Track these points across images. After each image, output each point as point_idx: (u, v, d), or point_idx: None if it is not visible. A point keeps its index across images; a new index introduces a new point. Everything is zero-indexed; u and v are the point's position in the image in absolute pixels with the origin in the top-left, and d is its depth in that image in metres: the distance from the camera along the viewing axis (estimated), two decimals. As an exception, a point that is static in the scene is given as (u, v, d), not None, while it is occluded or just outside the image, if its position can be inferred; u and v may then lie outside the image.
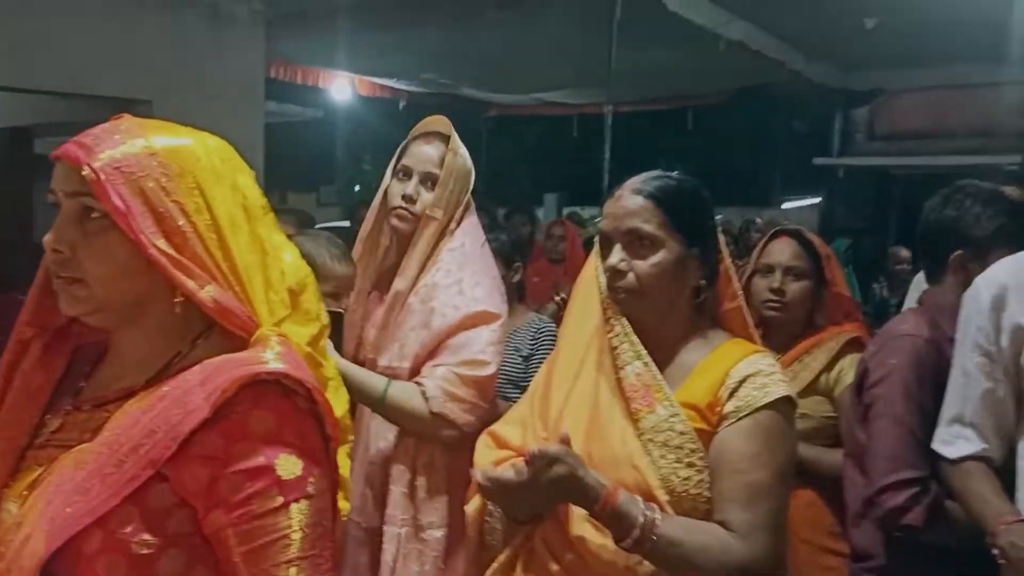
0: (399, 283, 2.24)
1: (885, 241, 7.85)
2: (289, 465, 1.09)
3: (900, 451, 1.93)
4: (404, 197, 2.24)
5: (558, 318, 3.32)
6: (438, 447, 2.20)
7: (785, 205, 8.26)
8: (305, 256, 2.38)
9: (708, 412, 1.61)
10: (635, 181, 1.69)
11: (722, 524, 1.55)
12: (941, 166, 7.61)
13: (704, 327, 1.71)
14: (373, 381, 2.15)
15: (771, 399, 1.58)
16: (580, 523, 1.62)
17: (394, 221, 2.27)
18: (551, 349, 2.90)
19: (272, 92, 6.43)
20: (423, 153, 2.27)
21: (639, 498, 1.53)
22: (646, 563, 1.56)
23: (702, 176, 1.85)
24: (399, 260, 2.30)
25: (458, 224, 2.26)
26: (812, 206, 8.30)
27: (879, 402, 2.01)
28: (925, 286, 2.34)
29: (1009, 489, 1.76)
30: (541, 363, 2.91)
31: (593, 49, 5.93)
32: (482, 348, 2.16)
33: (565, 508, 1.64)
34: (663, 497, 1.57)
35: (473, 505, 1.77)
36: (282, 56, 6.65)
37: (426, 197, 2.25)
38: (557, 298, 3.62)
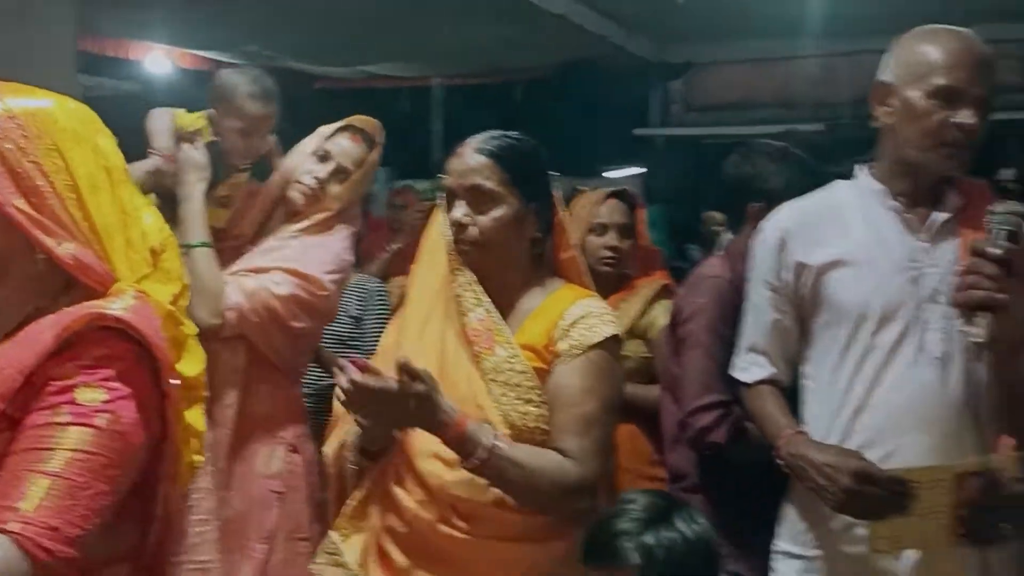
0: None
1: (701, 206, 8.29)
2: (90, 394, 1.15)
3: (707, 379, 2.14)
4: (316, 179, 2.37)
5: (385, 273, 3.41)
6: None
7: (608, 174, 8.55)
8: (221, 87, 2.45)
9: (544, 352, 1.78)
10: (476, 139, 1.83)
11: (559, 452, 1.71)
12: (750, 135, 8.07)
13: (542, 275, 1.88)
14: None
15: (600, 338, 1.76)
16: (427, 459, 1.75)
17: (294, 193, 2.41)
18: (381, 308, 3.00)
19: (87, 66, 6.16)
20: (348, 147, 2.43)
21: (488, 426, 1.67)
22: (490, 493, 1.69)
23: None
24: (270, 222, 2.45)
25: (334, 225, 2.42)
26: (635, 175, 8.63)
27: (690, 337, 2.22)
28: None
29: (796, 407, 1.98)
30: (373, 323, 3.02)
31: (418, 22, 5.97)
32: (283, 279, 2.30)
33: (412, 444, 1.75)
34: (504, 430, 1.73)
35: (331, 445, 1.86)
36: (96, 29, 6.37)
37: (333, 188, 2.39)
38: (387, 249, 3.72)
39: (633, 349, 2.60)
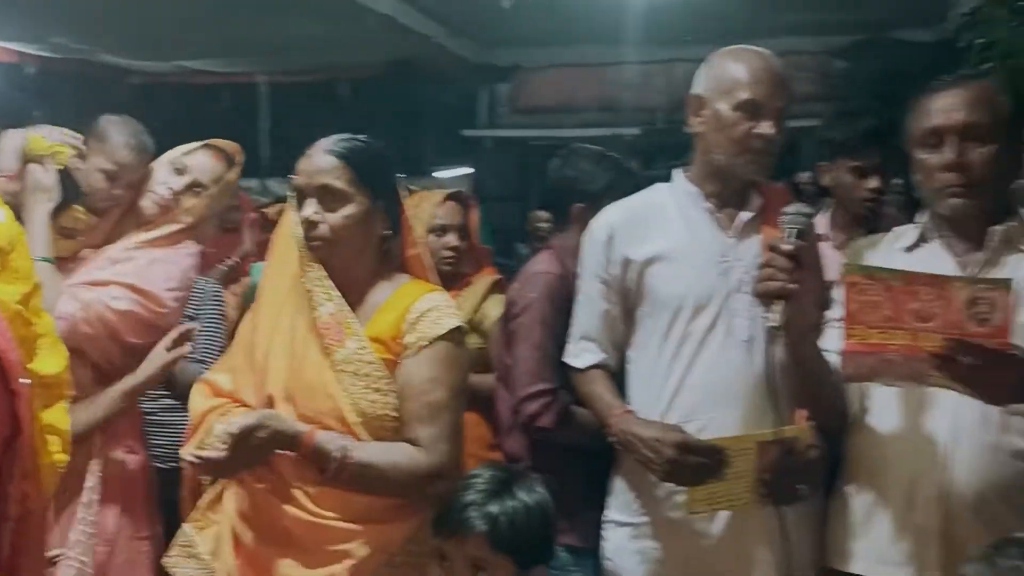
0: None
1: (527, 206, 8.53)
2: None
3: (536, 368, 2.30)
4: (170, 189, 2.40)
5: (227, 280, 3.41)
6: None
7: (437, 174, 8.67)
8: (100, 127, 2.39)
9: (392, 344, 1.89)
10: (326, 142, 1.94)
11: (411, 442, 1.82)
12: (573, 138, 8.37)
13: (390, 271, 1.98)
14: None
15: (445, 330, 1.88)
16: (280, 459, 1.84)
17: (146, 202, 2.41)
18: (215, 309, 3.01)
19: None
20: (206, 163, 2.45)
21: (335, 434, 1.76)
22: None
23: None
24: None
25: (183, 240, 2.43)
26: (463, 176, 8.78)
27: (521, 329, 2.37)
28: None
29: (623, 389, 2.16)
30: (207, 324, 3.02)
31: (239, 17, 5.88)
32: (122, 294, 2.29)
33: None
34: (355, 419, 1.83)
35: (189, 448, 1.89)
36: None
37: (187, 201, 2.41)
38: (227, 263, 3.70)
39: (469, 341, 2.74)
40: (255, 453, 1.77)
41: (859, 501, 1.99)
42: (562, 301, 2.32)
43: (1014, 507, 1.82)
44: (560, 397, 2.28)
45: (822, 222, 2.79)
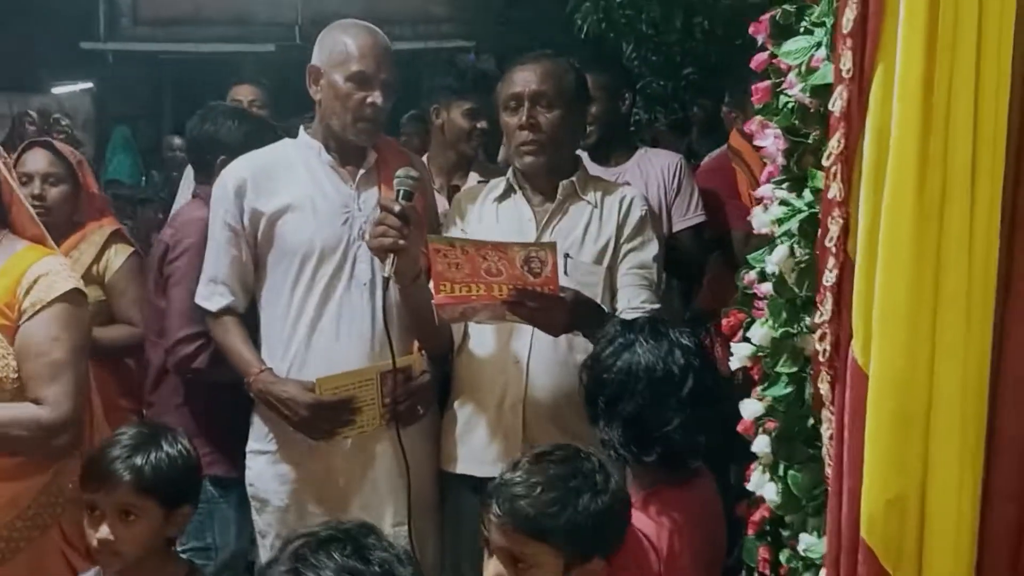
0: None
1: (161, 125, 8.22)
2: None
3: (190, 311, 2.44)
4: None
5: None
6: None
7: (56, 90, 8.08)
8: None
9: (8, 310, 1.94)
10: None
11: (34, 401, 1.91)
12: (205, 53, 8.15)
13: (1, 234, 2.00)
14: None
15: (61, 292, 1.95)
16: None
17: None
18: None
19: None
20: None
21: None
22: None
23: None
24: None
25: None
26: (84, 91, 8.26)
27: (175, 273, 2.51)
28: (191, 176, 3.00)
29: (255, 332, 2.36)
30: None
31: None
32: None
33: None
34: None
35: None
36: None
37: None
38: None
39: (91, 294, 2.73)
40: None
41: (462, 413, 2.36)
42: None
43: (579, 412, 2.26)
44: (212, 340, 2.43)
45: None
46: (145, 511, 1.81)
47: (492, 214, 2.39)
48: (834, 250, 1.28)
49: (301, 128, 2.43)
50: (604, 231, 2.33)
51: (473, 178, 3.02)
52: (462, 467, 2.35)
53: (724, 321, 1.65)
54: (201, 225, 2.50)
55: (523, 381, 2.28)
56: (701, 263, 3.26)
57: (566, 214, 2.34)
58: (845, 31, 1.26)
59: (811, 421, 1.40)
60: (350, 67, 2.25)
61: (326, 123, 2.33)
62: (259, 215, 2.31)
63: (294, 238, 2.29)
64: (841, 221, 1.28)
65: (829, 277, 1.29)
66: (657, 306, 2.30)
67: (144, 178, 7.33)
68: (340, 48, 2.27)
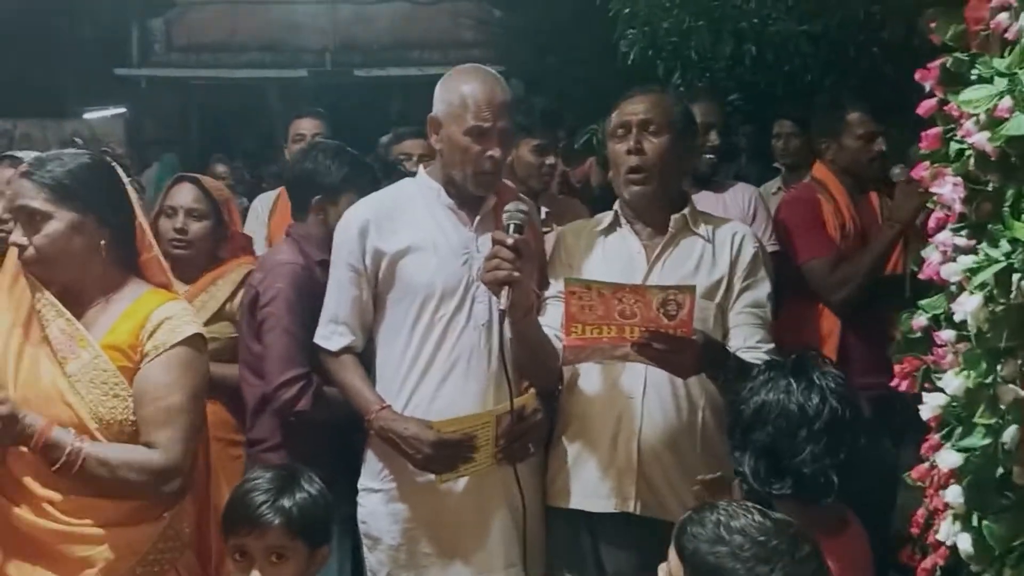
0: None
1: (191, 150, 8.24)
2: None
3: (289, 355, 2.45)
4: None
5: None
6: None
7: (87, 115, 8.12)
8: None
9: (131, 352, 1.97)
10: (25, 167, 1.95)
11: (147, 445, 1.92)
12: (236, 78, 8.20)
13: (125, 278, 2.04)
14: None
15: (184, 336, 1.96)
16: (23, 465, 1.87)
17: None
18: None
19: None
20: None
21: (72, 430, 1.84)
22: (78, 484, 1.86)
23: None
24: None
25: None
26: (116, 116, 8.29)
27: (270, 318, 2.50)
28: (261, 211, 3.16)
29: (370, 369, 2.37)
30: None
31: None
32: None
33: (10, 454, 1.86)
34: (93, 425, 1.91)
35: None
36: None
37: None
38: None
39: (222, 331, 2.75)
40: None
41: (572, 449, 2.36)
42: (305, 289, 2.49)
43: (693, 447, 2.28)
44: (313, 380, 2.45)
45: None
46: (295, 552, 1.83)
47: (599, 248, 2.40)
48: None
49: (420, 167, 2.46)
50: (718, 267, 2.33)
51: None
52: (575, 502, 2.35)
53: (897, 367, 1.65)
54: (290, 269, 2.53)
55: (638, 416, 2.28)
56: (778, 295, 3.26)
57: (677, 247, 2.35)
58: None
59: (1000, 470, 1.39)
60: (467, 121, 2.25)
61: (445, 170, 2.34)
62: (381, 255, 2.32)
63: (416, 279, 2.31)
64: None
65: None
66: (771, 346, 2.30)
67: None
68: (457, 100, 2.27)
